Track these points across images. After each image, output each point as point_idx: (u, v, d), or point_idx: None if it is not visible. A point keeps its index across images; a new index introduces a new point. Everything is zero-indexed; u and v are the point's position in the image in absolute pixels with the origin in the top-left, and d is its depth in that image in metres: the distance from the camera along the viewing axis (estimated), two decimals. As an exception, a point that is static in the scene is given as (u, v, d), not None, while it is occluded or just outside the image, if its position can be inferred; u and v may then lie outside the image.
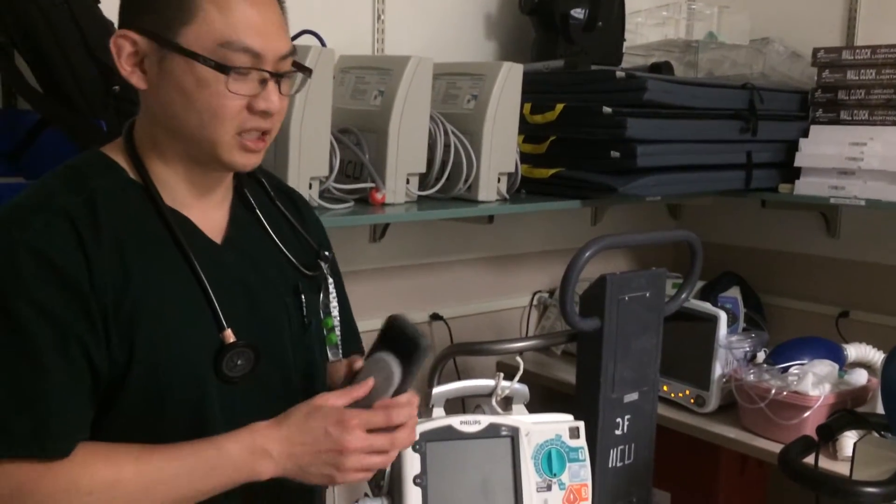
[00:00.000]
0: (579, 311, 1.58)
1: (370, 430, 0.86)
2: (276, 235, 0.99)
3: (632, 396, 1.66)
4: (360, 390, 0.87)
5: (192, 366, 0.86)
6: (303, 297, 0.99)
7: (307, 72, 0.92)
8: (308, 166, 1.44)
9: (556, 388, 2.03)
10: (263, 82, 0.87)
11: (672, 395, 1.89)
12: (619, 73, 1.78)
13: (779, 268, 2.42)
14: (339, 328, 1.03)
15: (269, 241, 0.99)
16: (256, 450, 0.84)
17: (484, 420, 1.04)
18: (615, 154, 1.78)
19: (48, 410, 0.79)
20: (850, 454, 1.28)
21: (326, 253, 1.04)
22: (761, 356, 1.85)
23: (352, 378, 0.91)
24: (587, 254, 1.49)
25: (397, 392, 0.87)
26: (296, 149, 1.42)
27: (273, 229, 0.99)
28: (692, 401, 1.87)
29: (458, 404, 1.18)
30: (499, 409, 1.10)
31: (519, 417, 1.08)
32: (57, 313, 0.79)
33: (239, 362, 0.88)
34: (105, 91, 1.16)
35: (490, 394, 1.10)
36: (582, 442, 1.08)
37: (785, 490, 1.99)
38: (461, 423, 1.03)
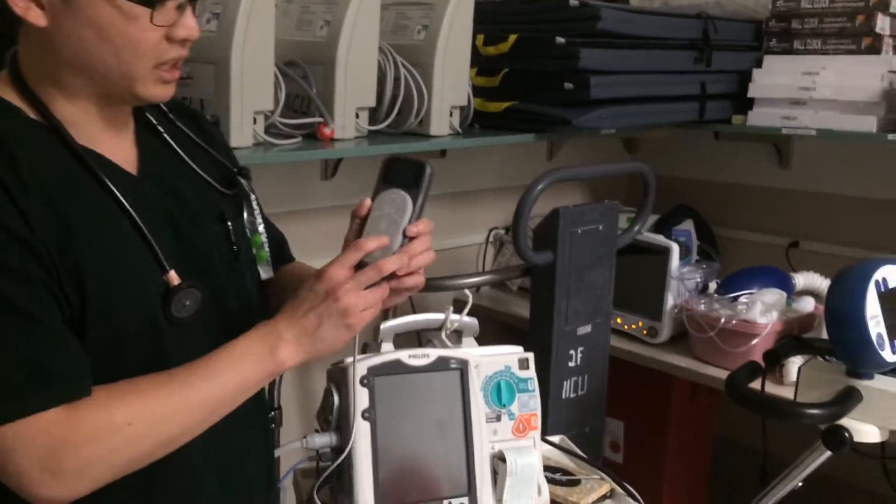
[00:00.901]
0: (532, 245, 1.57)
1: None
2: (188, 158, 0.95)
3: (585, 329, 1.67)
4: (358, 249, 0.86)
5: (145, 310, 0.84)
6: (229, 224, 0.95)
7: None
8: (251, 100, 1.39)
9: (512, 322, 2.04)
10: (181, 7, 0.83)
11: (625, 326, 1.91)
12: (573, 2, 1.74)
13: (732, 200, 2.43)
14: (266, 244, 1.01)
15: (183, 165, 0.95)
16: (269, 336, 0.85)
17: (433, 353, 1.03)
18: (568, 86, 1.76)
19: (53, 357, 0.77)
20: (795, 379, 1.30)
21: (245, 168, 1.01)
22: (713, 287, 1.87)
23: (360, 230, 0.90)
24: (539, 186, 1.48)
25: (412, 222, 0.87)
26: (237, 81, 1.37)
27: (183, 152, 0.95)
28: (644, 332, 1.90)
29: (411, 339, 1.16)
30: (448, 343, 1.09)
31: (468, 350, 1.07)
32: (16, 266, 0.76)
33: (187, 303, 0.86)
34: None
35: (440, 328, 1.09)
36: (531, 373, 1.08)
37: (734, 415, 2.05)
38: (409, 356, 1.02)
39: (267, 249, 1.01)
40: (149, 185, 0.89)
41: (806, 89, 1.97)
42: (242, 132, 1.39)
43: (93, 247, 0.80)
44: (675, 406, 1.99)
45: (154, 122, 0.94)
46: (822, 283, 1.89)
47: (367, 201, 0.90)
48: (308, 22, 1.60)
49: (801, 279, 1.89)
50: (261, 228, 1.01)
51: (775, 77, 2.04)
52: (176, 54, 0.84)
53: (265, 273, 1.01)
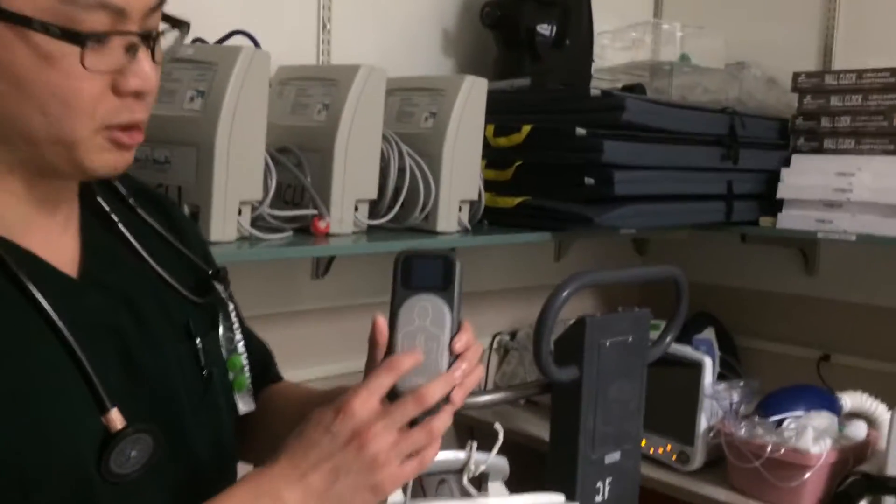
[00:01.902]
0: (554, 358, 1.37)
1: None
2: (149, 256, 0.74)
3: (613, 456, 1.46)
4: (391, 369, 0.67)
5: (69, 466, 0.61)
6: (198, 341, 0.74)
7: (183, 27, 0.68)
8: (237, 188, 1.22)
9: (518, 441, 1.82)
10: (131, 49, 0.63)
11: (651, 450, 1.70)
12: (595, 91, 1.61)
13: (754, 307, 2.27)
14: (247, 367, 0.81)
15: (142, 266, 0.74)
16: (262, 498, 0.64)
17: (455, 508, 0.81)
18: (589, 181, 1.61)
19: None
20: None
21: (218, 271, 0.81)
22: (743, 407, 1.67)
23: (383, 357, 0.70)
24: (566, 292, 1.30)
25: (452, 336, 0.68)
26: (222, 167, 1.20)
27: (143, 248, 0.74)
28: (674, 457, 1.70)
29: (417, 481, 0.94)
30: (471, 489, 0.87)
31: (498, 501, 0.85)
32: None
33: (132, 454, 0.64)
34: None
35: (460, 469, 0.87)
36: (576, 530, 0.85)
37: None
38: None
39: (248, 374, 0.81)
40: (93, 292, 0.68)
41: (842, 191, 1.83)
42: (225, 225, 1.22)
43: (3, 380, 0.59)
44: (708, 545, 1.74)
45: (107, 208, 0.74)
46: (872, 405, 1.69)
47: (381, 321, 0.70)
48: (304, 105, 1.46)
49: (849, 400, 1.69)
50: (240, 347, 0.80)
51: (806, 177, 1.90)
52: (129, 115, 0.64)
53: (244, 405, 0.80)
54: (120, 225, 0.74)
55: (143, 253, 0.74)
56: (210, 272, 0.80)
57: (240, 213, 1.25)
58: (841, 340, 2.11)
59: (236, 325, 0.80)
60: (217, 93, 1.20)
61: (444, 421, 0.66)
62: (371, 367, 0.70)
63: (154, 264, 0.74)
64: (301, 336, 1.70)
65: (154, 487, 0.66)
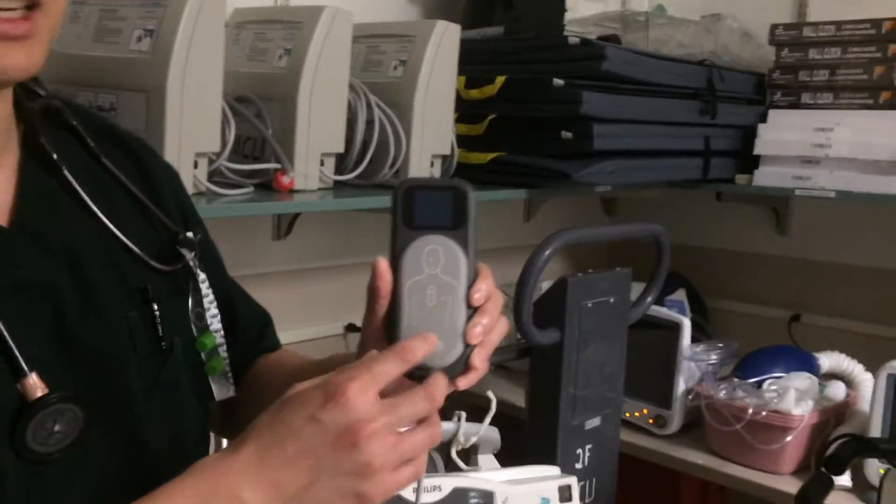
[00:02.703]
0: (534, 321, 1.30)
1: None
2: (104, 210, 0.63)
3: (594, 422, 1.41)
4: (401, 358, 0.55)
5: None
6: (155, 306, 0.64)
7: None
8: (192, 138, 1.12)
9: (487, 406, 1.77)
10: None
11: (627, 414, 1.65)
12: (572, 39, 1.53)
13: (725, 268, 2.23)
14: (223, 347, 0.71)
15: (91, 219, 0.63)
16: (214, 496, 0.52)
17: (446, 483, 0.73)
18: (567, 135, 1.55)
19: None
20: (877, 489, 1.05)
21: (189, 234, 0.70)
22: (722, 369, 1.63)
23: (387, 312, 0.58)
24: (548, 251, 1.23)
25: (469, 286, 0.57)
26: (175, 115, 1.09)
27: (96, 201, 0.63)
28: (651, 421, 1.65)
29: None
30: (459, 463, 0.79)
31: (490, 476, 0.77)
32: None
33: (56, 428, 0.54)
34: None
35: (448, 441, 0.79)
36: (575, 506, 0.78)
37: None
38: (413, 489, 0.72)
39: (224, 356, 0.71)
40: (25, 244, 0.58)
41: (820, 147, 1.78)
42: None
43: None
44: (684, 508, 1.72)
45: (50, 150, 0.63)
46: (849, 366, 1.66)
47: (384, 266, 0.59)
48: (264, 51, 1.35)
49: (827, 360, 1.66)
50: (214, 324, 0.70)
51: (784, 133, 1.85)
52: None
53: (221, 392, 0.71)
54: (65, 171, 0.63)
55: (92, 205, 0.63)
56: (179, 235, 0.69)
57: (195, 166, 1.15)
58: (812, 300, 2.09)
59: (209, 299, 0.70)
60: (168, 32, 1.09)
61: (465, 381, 0.58)
62: (371, 323, 0.60)
63: (105, 219, 0.63)
64: (261, 301, 1.59)
65: (85, 474, 0.57)
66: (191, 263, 0.68)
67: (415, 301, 0.57)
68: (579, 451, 1.38)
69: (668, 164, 1.79)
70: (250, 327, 0.82)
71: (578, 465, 1.39)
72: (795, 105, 1.88)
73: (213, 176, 1.22)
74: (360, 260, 1.75)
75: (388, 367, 0.54)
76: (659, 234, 1.43)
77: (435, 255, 0.57)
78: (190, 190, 1.13)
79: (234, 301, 0.80)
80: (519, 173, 1.61)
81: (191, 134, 1.11)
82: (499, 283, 2.15)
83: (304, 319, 1.66)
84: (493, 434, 0.82)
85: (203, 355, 0.69)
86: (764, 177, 1.86)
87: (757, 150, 1.87)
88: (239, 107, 1.28)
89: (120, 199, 0.66)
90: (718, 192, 2.03)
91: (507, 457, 1.44)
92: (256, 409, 0.79)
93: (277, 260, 1.65)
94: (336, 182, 1.37)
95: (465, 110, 1.64)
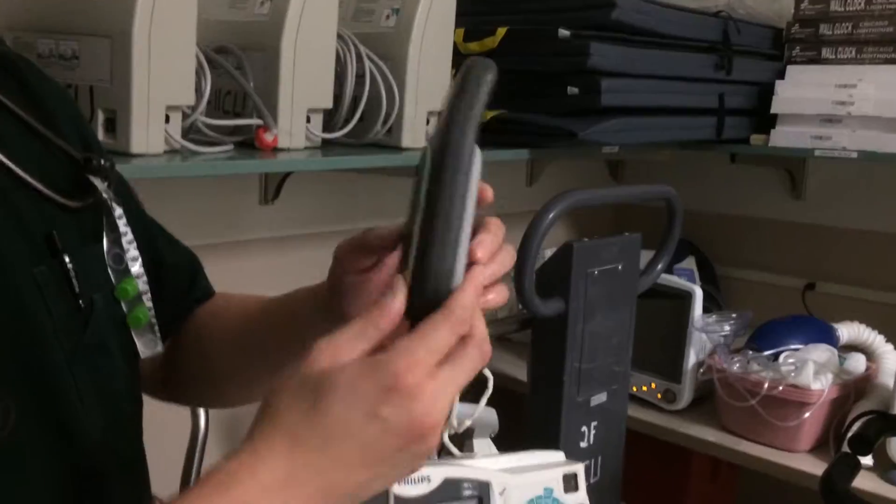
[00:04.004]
0: (536, 290, 1.23)
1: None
2: None
3: (599, 398, 1.35)
4: (461, 319, 0.48)
5: None
6: (66, 258, 0.56)
7: None
8: (163, 89, 1.04)
9: (484, 384, 1.71)
10: None
11: (634, 388, 1.59)
12: (580, -14, 1.43)
13: (737, 234, 2.16)
14: (147, 295, 0.63)
15: None
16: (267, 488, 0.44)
17: (435, 474, 0.65)
18: (573, 90, 1.48)
19: None
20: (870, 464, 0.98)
21: (100, 161, 0.61)
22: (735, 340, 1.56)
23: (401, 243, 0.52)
24: (552, 214, 1.15)
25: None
26: (142, 63, 1.01)
27: None
28: (659, 395, 1.60)
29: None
30: (452, 449, 0.71)
31: (487, 463, 0.70)
32: None
33: None
34: None
35: (440, 425, 0.71)
36: (582, 496, 0.71)
37: (755, 493, 1.75)
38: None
39: (149, 305, 0.63)
40: None
41: (842, 104, 1.69)
42: (149, 134, 1.04)
43: None
44: (694, 486, 1.67)
45: None
46: (869, 337, 1.59)
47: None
48: (244, -3, 1.26)
49: (846, 331, 1.59)
50: (135, 267, 0.62)
51: (802, 90, 1.76)
52: None
53: (146, 347, 0.63)
54: None
55: None
56: (92, 161, 0.60)
57: (167, 120, 1.07)
58: (827, 268, 2.02)
59: (128, 238, 0.61)
60: (134, -28, 1.00)
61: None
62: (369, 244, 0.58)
63: None
64: (247, 270, 1.55)
65: (11, 462, 0.49)
66: (105, 195, 0.60)
67: (466, 229, 0.49)
68: (584, 428, 1.32)
69: (680, 123, 1.73)
70: (179, 273, 0.74)
71: (583, 444, 1.33)
72: (815, 60, 1.80)
73: (189, 133, 1.14)
74: (353, 225, 1.67)
75: (447, 337, 0.47)
76: (670, 196, 1.36)
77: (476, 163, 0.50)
78: (161, 147, 1.06)
79: (156, 243, 0.72)
80: (521, 132, 1.54)
81: (161, 84, 1.03)
82: None
83: (291, 286, 1.58)
84: (491, 416, 0.75)
85: (124, 305, 0.61)
86: (781, 137, 1.78)
87: (774, 109, 1.78)
88: (217, 57, 1.20)
89: (8, 128, 0.57)
90: (732, 153, 1.96)
91: (507, 437, 1.38)
92: (199, 366, 0.73)
93: (265, 225, 1.59)
94: (324, 140, 1.29)
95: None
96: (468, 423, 0.71)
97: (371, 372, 0.45)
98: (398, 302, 0.48)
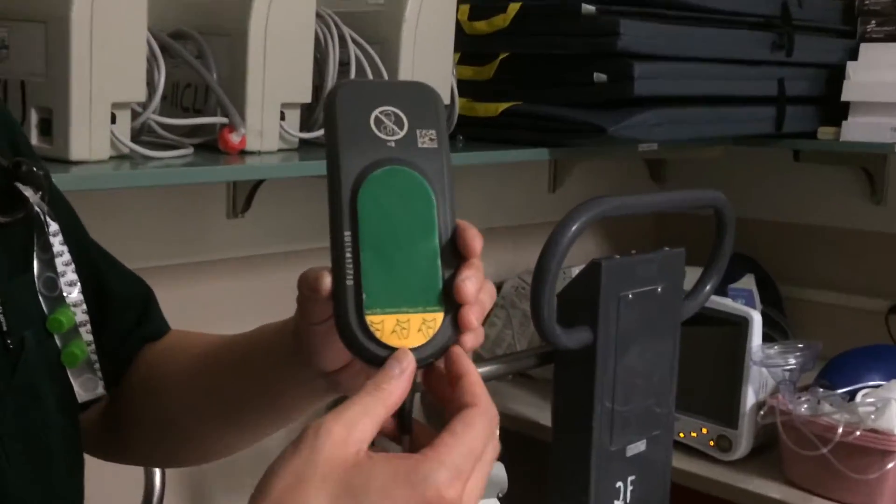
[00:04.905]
0: (559, 317, 1.26)
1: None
2: None
3: (637, 447, 1.36)
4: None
5: None
6: None
7: None
8: (107, 84, 1.08)
9: (506, 426, 1.74)
10: None
11: (681, 434, 1.64)
12: (606, -47, 1.51)
13: (805, 247, 2.21)
14: (87, 328, 0.65)
15: None
16: None
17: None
18: (600, 77, 1.53)
19: None
20: None
21: (31, 167, 0.63)
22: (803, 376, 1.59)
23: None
24: (576, 226, 1.18)
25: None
26: (83, 51, 1.05)
27: None
28: (712, 443, 1.64)
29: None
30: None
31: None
32: None
33: None
34: None
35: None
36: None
37: None
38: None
39: (88, 339, 0.65)
40: None
41: (930, 89, 1.72)
42: (92, 137, 1.08)
43: None
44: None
45: None
46: (966, 370, 1.60)
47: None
48: (206, -28, 1.33)
49: (938, 363, 1.60)
50: (73, 295, 0.64)
51: (879, 73, 1.83)
52: None
53: (85, 389, 0.65)
54: None
55: None
56: (22, 167, 0.62)
57: (114, 120, 1.12)
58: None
59: (64, 259, 0.63)
60: (73, -52, 1.05)
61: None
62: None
63: None
64: (212, 296, 1.61)
65: None
66: (37, 209, 0.61)
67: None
68: (619, 483, 1.34)
69: (732, 115, 1.77)
70: (127, 306, 0.75)
71: (618, 502, 1.35)
72: (893, 37, 1.84)
73: (140, 134, 1.19)
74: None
75: (484, 439, 0.50)
76: (720, 202, 1.38)
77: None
78: (107, 153, 1.10)
79: (100, 269, 0.73)
80: (540, 128, 1.59)
81: (105, 78, 1.07)
82: (515, 270, 2.12)
83: (268, 316, 1.62)
84: (498, 472, 0.76)
85: (57, 339, 0.63)
86: (854, 130, 1.82)
87: (845, 96, 1.83)
88: (173, 44, 1.25)
89: None
90: (796, 149, 2.00)
91: (523, 495, 1.40)
92: (149, 417, 0.74)
93: (234, 243, 1.63)
94: (302, 141, 1.35)
95: (469, 48, 1.64)
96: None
97: (409, 482, 0.47)
98: (407, 374, 0.50)
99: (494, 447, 0.51)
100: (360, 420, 0.48)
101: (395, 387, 0.49)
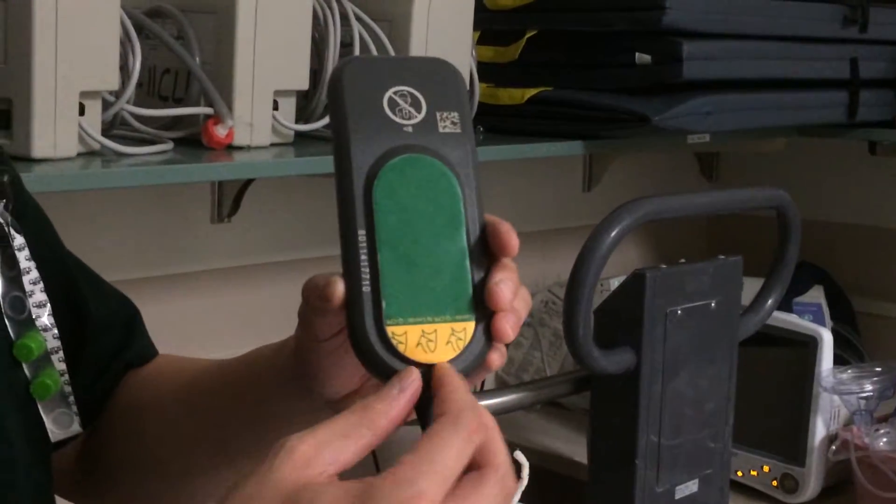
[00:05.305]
0: (596, 337, 1.29)
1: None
2: None
3: (688, 487, 1.38)
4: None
5: None
6: None
7: None
8: (74, 70, 1.11)
9: (536, 463, 1.75)
10: None
11: (739, 472, 1.66)
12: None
13: (883, 255, 2.22)
14: (59, 355, 0.67)
15: None
16: None
17: None
18: (643, 58, 1.55)
19: None
20: None
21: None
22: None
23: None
24: (615, 232, 1.20)
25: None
26: (46, 33, 1.07)
27: None
28: (774, 483, 1.65)
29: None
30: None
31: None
32: None
33: None
34: None
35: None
36: None
37: None
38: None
39: (61, 367, 0.66)
40: None
41: None
42: (57, 131, 1.11)
43: None
44: None
45: None
46: None
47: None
48: (185, -59, 1.38)
49: None
50: (43, 319, 0.65)
51: None
52: None
53: (58, 426, 0.66)
54: None
55: None
56: None
57: (82, 111, 1.14)
58: None
59: (31, 277, 0.64)
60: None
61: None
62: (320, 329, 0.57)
63: None
64: (196, 311, 1.63)
65: None
66: (3, 224, 0.63)
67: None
68: (667, 531, 1.34)
69: (797, 101, 1.79)
70: (108, 327, 0.77)
71: (667, 553, 1.35)
72: None
73: (113, 127, 1.23)
74: (336, 250, 1.74)
75: (459, 457, 0.48)
76: (784, 203, 1.39)
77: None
78: (74, 149, 1.13)
79: (76, 284, 0.75)
80: (573, 117, 1.61)
81: (72, 63, 1.10)
82: (545, 283, 2.13)
83: (258, 337, 1.63)
84: (527, 515, 0.76)
85: (26, 368, 0.64)
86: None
87: None
88: (150, 23, 1.28)
89: None
90: (872, 141, 2.00)
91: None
92: (130, 452, 0.75)
93: (220, 251, 1.66)
94: (297, 134, 1.38)
95: (491, 25, 1.66)
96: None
97: (360, 501, 0.46)
98: (407, 395, 0.49)
99: (488, 498, 0.48)
100: (335, 442, 0.47)
101: (387, 408, 0.48)
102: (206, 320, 1.64)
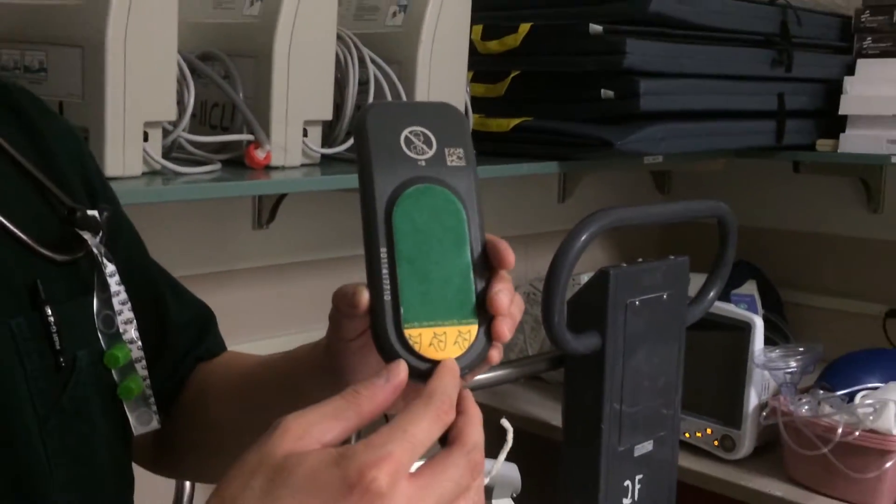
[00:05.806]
0: (568, 323, 1.27)
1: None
2: None
3: (645, 447, 1.37)
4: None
5: None
6: (48, 308, 0.58)
7: None
8: (141, 103, 1.08)
9: (520, 427, 1.73)
10: None
11: (686, 435, 1.62)
12: (614, -25, 1.48)
13: (805, 254, 2.18)
14: (142, 363, 0.65)
15: None
16: None
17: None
18: (608, 93, 1.52)
19: None
20: None
21: (92, 212, 0.64)
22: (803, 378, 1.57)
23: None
24: (585, 236, 1.19)
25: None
26: (117, 73, 1.05)
27: None
28: (716, 443, 1.61)
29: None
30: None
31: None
32: None
33: None
34: None
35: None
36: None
37: None
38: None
39: (143, 375, 0.65)
40: None
41: (924, 103, 1.70)
42: (126, 154, 1.08)
43: None
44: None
45: None
46: (962, 372, 1.58)
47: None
48: (232, -3, 1.32)
49: (934, 366, 1.58)
50: (129, 333, 0.64)
51: (875, 87, 1.79)
52: None
53: (140, 422, 0.65)
54: None
55: None
56: (77, 213, 0.62)
57: (146, 138, 1.11)
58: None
59: (121, 299, 0.63)
60: (106, -25, 1.05)
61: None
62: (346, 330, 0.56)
63: None
64: (241, 303, 1.60)
65: None
66: (95, 251, 0.62)
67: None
68: (627, 482, 1.34)
69: (734, 128, 1.76)
70: (185, 329, 0.76)
71: (627, 501, 1.34)
72: (890, 52, 1.82)
73: (171, 151, 1.19)
74: (359, 251, 1.71)
75: (429, 430, 0.46)
76: (723, 213, 1.38)
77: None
78: (139, 169, 1.11)
79: (162, 296, 0.74)
80: (550, 142, 1.58)
81: (138, 98, 1.07)
82: (527, 278, 2.11)
83: (291, 325, 1.62)
84: (512, 472, 0.75)
85: (115, 374, 0.63)
86: (852, 142, 1.80)
87: (843, 110, 1.81)
88: (202, 65, 1.25)
89: (3, 171, 0.59)
90: (796, 161, 1.99)
91: (537, 494, 1.39)
92: (199, 434, 0.73)
93: (259, 252, 1.63)
94: (323, 156, 1.34)
95: (482, 66, 1.62)
96: (486, 480, 0.72)
97: (335, 463, 0.44)
98: (392, 385, 0.47)
99: (456, 466, 0.46)
100: (324, 421, 0.46)
101: (373, 394, 0.46)
102: (249, 309, 1.61)
